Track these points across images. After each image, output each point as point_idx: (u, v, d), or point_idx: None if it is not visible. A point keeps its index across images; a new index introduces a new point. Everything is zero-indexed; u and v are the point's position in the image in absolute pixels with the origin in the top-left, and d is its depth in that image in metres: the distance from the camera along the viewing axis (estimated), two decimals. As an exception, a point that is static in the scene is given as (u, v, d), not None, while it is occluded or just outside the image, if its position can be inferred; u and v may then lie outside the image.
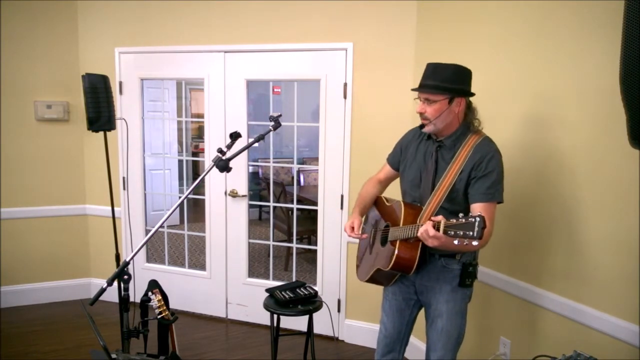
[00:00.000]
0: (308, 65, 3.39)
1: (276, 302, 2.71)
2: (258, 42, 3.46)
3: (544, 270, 2.22)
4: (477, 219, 1.52)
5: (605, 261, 1.93)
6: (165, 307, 2.08)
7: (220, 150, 1.97)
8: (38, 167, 3.91)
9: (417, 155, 2.07)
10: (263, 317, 3.48)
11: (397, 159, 2.21)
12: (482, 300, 2.60)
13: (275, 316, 2.75)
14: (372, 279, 2.13)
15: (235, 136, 2.05)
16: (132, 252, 2.22)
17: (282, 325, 2.87)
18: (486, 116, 2.56)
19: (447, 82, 1.88)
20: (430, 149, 2.01)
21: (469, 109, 1.98)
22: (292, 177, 6.53)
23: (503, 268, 2.46)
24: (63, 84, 3.89)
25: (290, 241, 4.24)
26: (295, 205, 4.15)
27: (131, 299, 1.95)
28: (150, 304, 2.12)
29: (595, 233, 1.97)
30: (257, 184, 7.09)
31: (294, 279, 3.81)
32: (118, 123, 3.35)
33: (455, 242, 1.56)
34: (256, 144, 2.07)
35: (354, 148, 3.29)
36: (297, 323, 3.34)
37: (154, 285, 2.18)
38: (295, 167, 5.64)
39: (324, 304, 2.79)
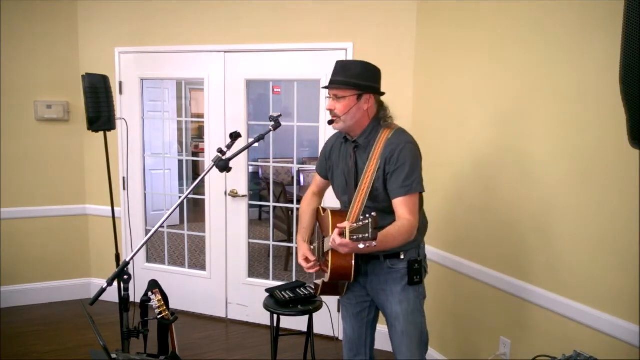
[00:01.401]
0: (308, 65, 3.39)
1: (276, 302, 2.70)
2: (258, 42, 3.46)
3: (544, 270, 2.22)
4: (369, 219, 1.51)
5: (606, 261, 1.93)
6: (165, 307, 2.08)
7: (220, 150, 1.97)
8: (38, 167, 3.91)
9: (340, 160, 2.07)
10: (263, 317, 3.48)
11: (324, 168, 2.20)
12: (482, 300, 2.60)
13: (275, 316, 2.75)
14: (325, 292, 2.11)
15: (235, 136, 2.05)
16: (132, 252, 2.22)
17: (282, 325, 2.87)
18: (483, 114, 2.56)
19: (355, 78, 1.89)
20: (349, 151, 2.01)
21: (381, 107, 1.98)
22: (292, 177, 6.53)
23: (503, 268, 2.46)
24: (63, 84, 3.89)
25: (290, 241, 4.24)
26: (295, 205, 4.14)
27: (131, 299, 1.95)
28: (150, 304, 2.12)
29: (596, 233, 1.97)
30: (257, 184, 7.09)
31: (294, 279, 3.81)
32: (118, 123, 3.35)
33: (361, 245, 1.54)
34: (256, 144, 2.07)
35: (354, 148, 3.29)
36: (297, 323, 3.34)
37: (154, 285, 2.18)
38: (295, 167, 5.63)
39: (324, 304, 2.79)
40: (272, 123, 2.14)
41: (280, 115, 2.16)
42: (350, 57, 3.23)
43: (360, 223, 1.54)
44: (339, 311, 3.49)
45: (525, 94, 2.29)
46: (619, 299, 1.88)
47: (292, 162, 4.97)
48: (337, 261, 1.87)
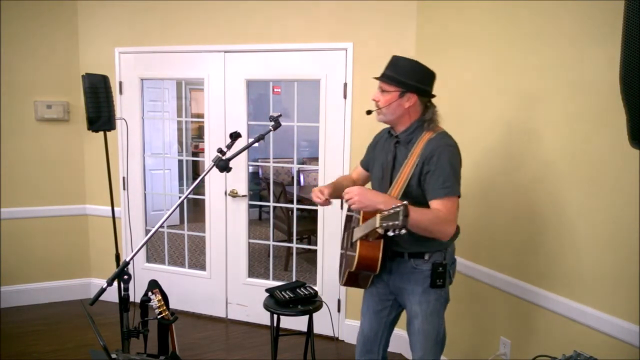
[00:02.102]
0: (308, 65, 3.39)
1: (276, 302, 2.70)
2: (258, 42, 3.46)
3: (544, 270, 2.22)
4: (401, 207, 1.51)
5: (605, 261, 1.93)
6: (165, 307, 2.08)
7: (220, 150, 1.97)
8: (38, 167, 3.91)
9: (381, 152, 2.11)
10: (263, 317, 3.48)
11: (366, 159, 2.26)
12: (482, 300, 2.60)
13: (275, 316, 2.75)
14: (349, 282, 2.11)
15: (235, 136, 2.05)
16: (132, 252, 2.22)
17: (282, 325, 2.87)
18: (484, 114, 2.55)
19: (402, 75, 1.92)
20: (391, 145, 2.05)
21: (427, 109, 1.98)
22: (292, 177, 6.54)
23: (503, 268, 2.46)
24: (63, 84, 3.89)
25: (290, 241, 4.24)
26: (295, 205, 4.15)
27: (131, 299, 1.95)
28: (150, 304, 2.12)
29: (595, 233, 1.97)
30: (257, 184, 7.09)
31: (294, 279, 3.80)
32: (118, 123, 3.35)
33: (390, 233, 1.55)
34: (256, 144, 2.07)
35: (354, 148, 3.29)
36: (297, 323, 3.34)
37: (154, 285, 2.18)
38: (295, 167, 5.64)
39: (324, 304, 2.79)
40: (272, 123, 2.14)
41: (280, 115, 2.16)
42: (349, 57, 3.24)
43: (392, 210, 1.54)
44: (339, 311, 3.50)
45: (527, 94, 2.29)
46: (619, 299, 1.88)
47: (292, 162, 4.97)
48: (365, 251, 1.87)
